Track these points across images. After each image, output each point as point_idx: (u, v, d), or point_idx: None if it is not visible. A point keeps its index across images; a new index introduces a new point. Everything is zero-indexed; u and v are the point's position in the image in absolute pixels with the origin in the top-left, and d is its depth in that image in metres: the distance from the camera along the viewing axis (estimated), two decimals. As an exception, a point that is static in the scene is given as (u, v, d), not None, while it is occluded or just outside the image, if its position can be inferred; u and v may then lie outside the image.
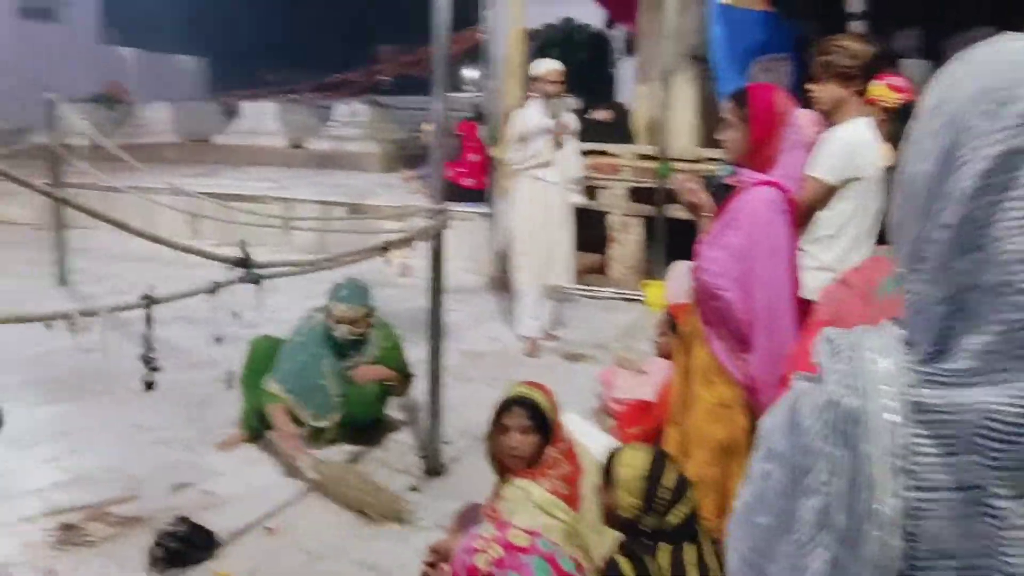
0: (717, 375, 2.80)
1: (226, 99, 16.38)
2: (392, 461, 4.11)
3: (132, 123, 14.44)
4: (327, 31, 27.07)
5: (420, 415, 4.38)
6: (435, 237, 3.67)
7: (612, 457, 2.33)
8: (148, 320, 2.54)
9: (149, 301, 2.48)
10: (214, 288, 2.62)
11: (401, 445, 4.28)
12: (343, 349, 4.15)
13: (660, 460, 2.28)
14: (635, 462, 2.25)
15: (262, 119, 13.72)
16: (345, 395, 4.15)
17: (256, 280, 2.69)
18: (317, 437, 4.14)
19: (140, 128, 14.23)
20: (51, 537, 3.34)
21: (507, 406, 2.67)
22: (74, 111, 14.25)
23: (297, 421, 4.08)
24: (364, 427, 4.29)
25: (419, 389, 4.26)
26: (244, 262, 2.67)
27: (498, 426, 2.66)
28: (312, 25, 28.04)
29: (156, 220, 8.73)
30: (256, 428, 4.21)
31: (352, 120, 13.36)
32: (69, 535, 3.34)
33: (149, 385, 2.52)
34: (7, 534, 3.34)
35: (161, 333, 2.73)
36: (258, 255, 2.77)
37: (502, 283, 6.97)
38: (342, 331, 4.06)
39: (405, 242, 3.50)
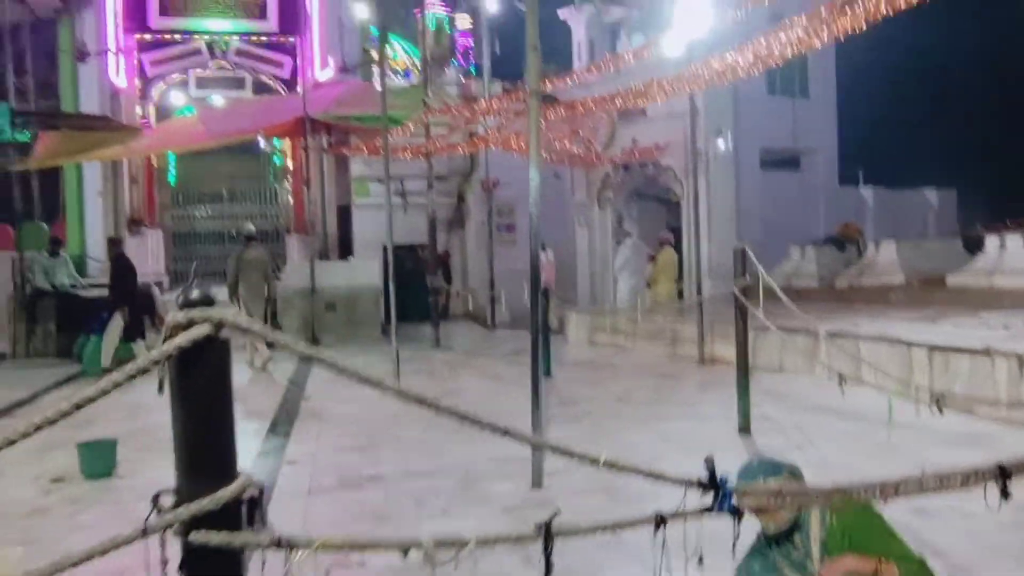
0: None
1: (968, 234, 14.71)
2: None
3: (860, 263, 13.94)
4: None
5: None
6: None
7: None
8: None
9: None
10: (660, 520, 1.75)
11: None
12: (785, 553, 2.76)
13: None
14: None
15: (1007, 255, 11.78)
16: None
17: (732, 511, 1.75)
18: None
19: (867, 268, 13.63)
20: None
21: None
22: (801, 254, 14.58)
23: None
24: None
25: None
26: (711, 483, 1.76)
27: None
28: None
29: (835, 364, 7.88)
30: None
31: None
32: None
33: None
34: None
35: None
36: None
37: None
38: (763, 526, 2.73)
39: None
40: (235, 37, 18.43)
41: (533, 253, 6.27)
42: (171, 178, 19.22)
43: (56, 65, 18.16)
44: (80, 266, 17.28)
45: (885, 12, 6.24)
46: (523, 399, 8.61)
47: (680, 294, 15.18)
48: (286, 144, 19.13)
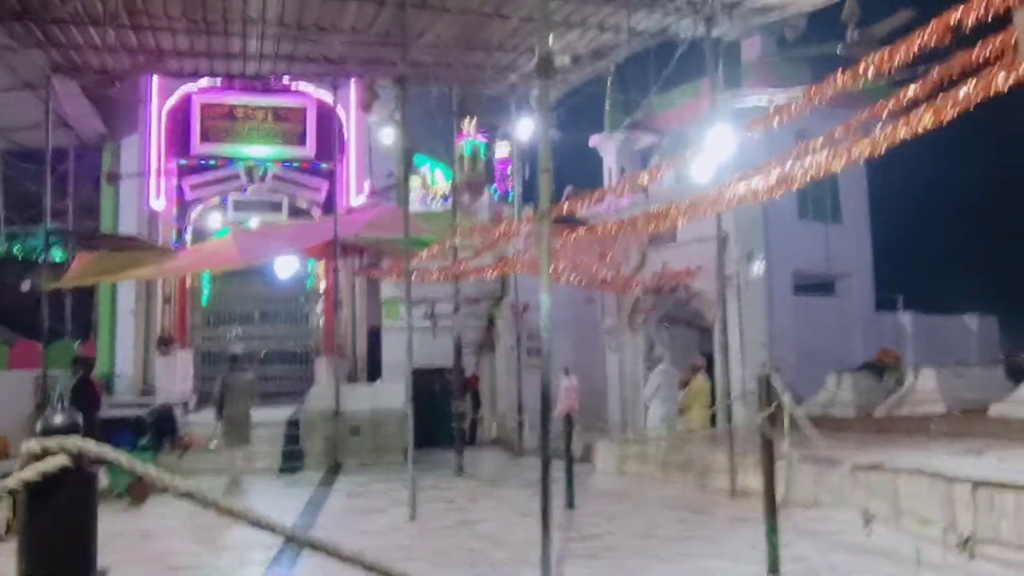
0: None
1: (1011, 361, 14.12)
2: None
3: (899, 392, 13.39)
4: None
5: None
6: None
7: None
8: None
9: None
10: None
11: None
12: None
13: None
14: None
15: (1055, 384, 11.24)
16: None
17: None
18: None
19: (906, 397, 13.07)
20: None
21: None
22: (838, 382, 14.07)
23: None
24: None
25: None
26: None
27: None
28: None
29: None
30: None
31: None
32: None
33: None
34: None
35: None
36: None
37: None
38: None
39: None
40: (273, 163, 18.95)
41: (545, 377, 6.05)
42: (204, 299, 19.41)
43: (98, 188, 18.77)
44: (108, 385, 17.29)
45: (904, 136, 6.10)
46: (531, 530, 8.20)
47: (714, 420, 14.67)
48: (319, 267, 19.33)
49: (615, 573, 6.97)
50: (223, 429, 11.78)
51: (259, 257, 16.00)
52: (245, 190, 19.16)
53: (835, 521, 8.71)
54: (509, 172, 25.12)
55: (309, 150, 19.05)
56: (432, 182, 22.26)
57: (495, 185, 24.79)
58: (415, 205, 20.97)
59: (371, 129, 19.28)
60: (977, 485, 7.66)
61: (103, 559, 5.18)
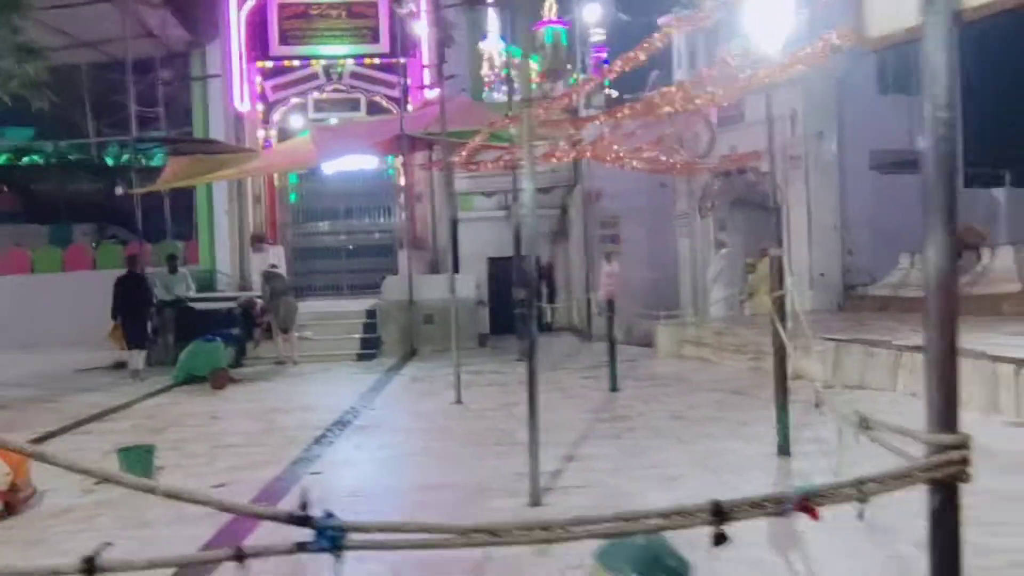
0: None
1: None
2: None
3: (974, 271, 12.90)
4: None
5: None
6: None
7: None
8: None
9: None
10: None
11: None
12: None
13: None
14: None
15: None
16: None
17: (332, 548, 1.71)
18: None
19: (980, 276, 12.60)
20: None
21: None
22: (911, 262, 13.64)
23: None
24: None
25: None
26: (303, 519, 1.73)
27: None
28: None
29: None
30: None
31: None
32: None
33: None
34: None
35: None
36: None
37: None
38: None
39: None
40: (349, 61, 19.24)
41: (524, 262, 6.28)
42: (292, 196, 20.27)
43: (189, 94, 19.60)
44: (211, 280, 18.54)
45: None
46: (579, 413, 8.62)
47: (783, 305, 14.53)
48: (398, 161, 19.77)
49: (626, 453, 7.28)
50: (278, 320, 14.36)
51: (334, 155, 16.53)
52: (325, 89, 19.61)
53: (877, 402, 8.71)
54: (607, 59, 24.53)
55: (383, 46, 19.22)
56: (505, 71, 22.06)
57: (587, 72, 24.31)
58: (494, 94, 20.97)
59: (446, 22, 19.27)
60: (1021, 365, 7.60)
61: (175, 436, 6.00)
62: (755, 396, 9.71)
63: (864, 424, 2.96)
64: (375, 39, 19.33)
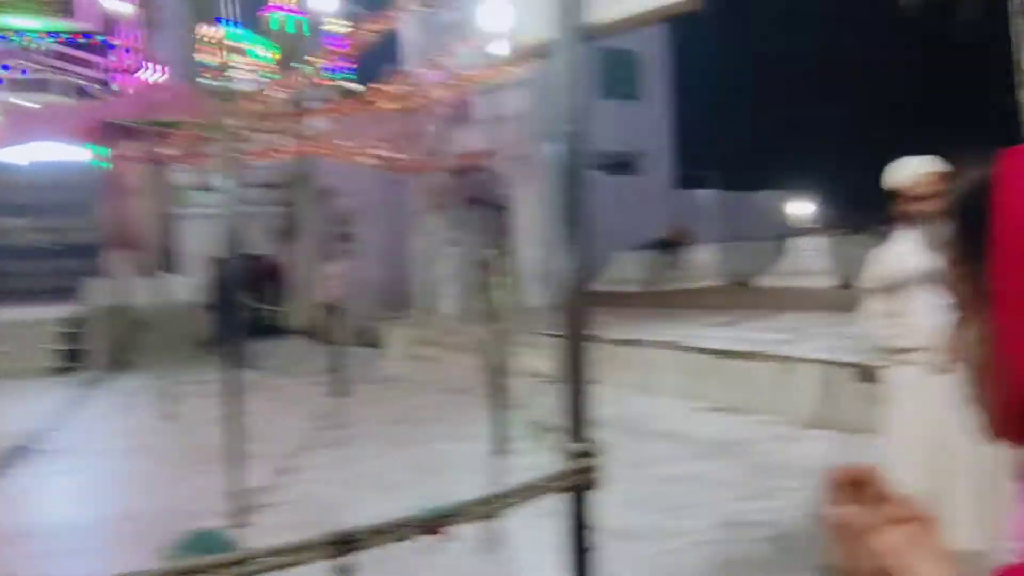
0: None
1: (787, 236, 14.89)
2: None
3: (682, 267, 13.93)
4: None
5: None
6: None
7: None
8: None
9: None
10: None
11: None
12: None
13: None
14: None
15: (809, 257, 11.89)
16: None
17: None
18: None
19: (688, 272, 13.63)
20: None
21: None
22: (627, 259, 14.50)
23: None
24: None
25: None
26: None
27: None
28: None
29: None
30: None
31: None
32: None
33: None
34: None
35: None
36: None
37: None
38: None
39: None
40: (47, 37, 17.25)
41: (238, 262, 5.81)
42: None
43: None
44: None
45: None
46: (300, 421, 8.10)
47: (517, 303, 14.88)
48: (110, 152, 18.02)
49: (344, 462, 6.97)
50: None
51: (25, 139, 14.71)
52: (24, 71, 17.45)
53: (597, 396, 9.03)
54: (342, 51, 23.81)
55: (80, 22, 17.38)
56: (251, 54, 20.86)
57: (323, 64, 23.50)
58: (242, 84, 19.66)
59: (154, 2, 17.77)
60: (716, 354, 8.21)
61: None
62: (479, 395, 9.75)
63: (541, 426, 2.98)
64: (68, 13, 17.42)
